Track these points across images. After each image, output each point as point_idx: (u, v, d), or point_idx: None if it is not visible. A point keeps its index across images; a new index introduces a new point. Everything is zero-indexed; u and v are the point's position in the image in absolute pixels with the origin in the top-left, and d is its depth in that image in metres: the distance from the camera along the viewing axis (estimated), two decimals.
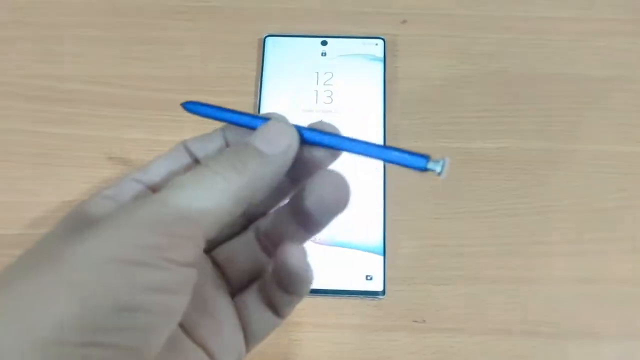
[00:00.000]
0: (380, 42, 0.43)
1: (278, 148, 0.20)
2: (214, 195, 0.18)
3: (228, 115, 0.23)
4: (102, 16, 0.46)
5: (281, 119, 0.22)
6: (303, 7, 0.46)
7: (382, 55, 0.43)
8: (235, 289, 0.23)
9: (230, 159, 0.19)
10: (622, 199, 0.40)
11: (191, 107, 0.25)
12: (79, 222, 0.19)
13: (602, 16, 0.45)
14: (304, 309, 0.37)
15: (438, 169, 0.22)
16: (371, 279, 0.37)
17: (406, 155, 0.22)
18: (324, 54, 0.43)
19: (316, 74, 0.42)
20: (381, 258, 0.37)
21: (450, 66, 0.44)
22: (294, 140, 0.21)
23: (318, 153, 0.22)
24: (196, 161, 0.23)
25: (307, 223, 0.22)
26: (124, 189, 0.21)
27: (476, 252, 0.38)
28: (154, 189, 0.21)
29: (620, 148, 0.41)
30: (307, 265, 0.21)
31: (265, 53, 0.43)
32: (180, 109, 0.42)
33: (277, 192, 0.22)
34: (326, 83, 0.42)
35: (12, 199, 0.40)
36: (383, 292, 0.37)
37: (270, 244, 0.23)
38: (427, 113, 0.42)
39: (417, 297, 0.37)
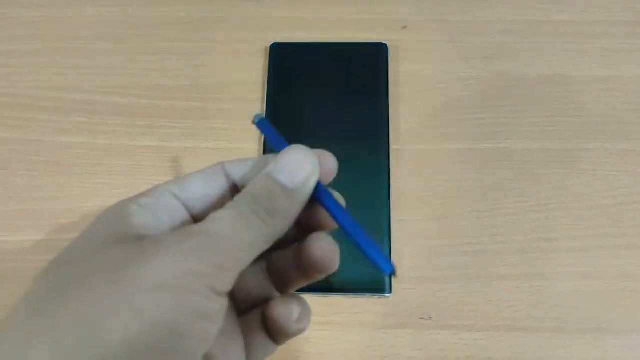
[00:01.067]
0: (383, 47, 0.44)
1: (299, 179, 0.22)
2: (252, 233, 0.20)
3: (279, 144, 0.25)
4: (111, 28, 0.48)
5: (300, 147, 0.23)
6: (306, 16, 0.47)
7: (384, 61, 0.44)
8: (240, 312, 0.25)
9: (261, 199, 0.21)
10: (622, 195, 0.41)
11: (260, 122, 0.27)
12: (124, 230, 0.20)
13: (599, 18, 0.46)
14: (313, 307, 0.38)
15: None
16: (378, 277, 0.38)
17: (381, 257, 0.24)
18: (328, 60, 0.44)
19: (321, 79, 0.44)
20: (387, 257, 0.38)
21: (451, 70, 0.45)
22: (314, 169, 0.23)
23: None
24: (233, 186, 0.24)
25: (305, 272, 0.25)
26: (161, 202, 0.22)
27: (479, 251, 0.39)
28: (189, 207, 0.22)
29: (620, 146, 0.42)
30: (298, 316, 0.25)
31: (271, 61, 0.44)
32: (185, 117, 0.43)
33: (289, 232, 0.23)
34: (331, 89, 0.43)
35: (28, 207, 0.41)
36: (390, 291, 0.38)
37: (276, 276, 0.25)
38: (430, 116, 0.43)
39: (423, 295, 0.38)
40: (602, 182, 0.41)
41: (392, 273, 0.23)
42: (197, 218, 0.23)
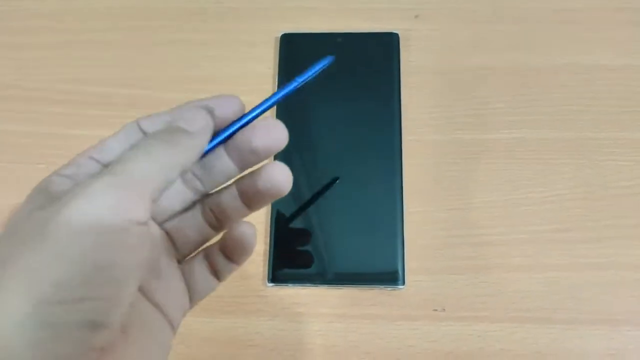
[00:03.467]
0: (394, 37, 0.44)
1: (198, 126, 0.23)
2: (155, 165, 0.21)
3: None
4: (122, 20, 0.47)
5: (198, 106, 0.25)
6: (317, 6, 0.47)
7: (396, 50, 0.44)
8: (182, 256, 0.27)
9: (165, 137, 0.23)
10: (637, 185, 0.40)
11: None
12: (45, 200, 0.22)
13: (617, 5, 0.46)
14: (327, 300, 0.38)
15: None
16: (390, 269, 0.38)
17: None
18: (339, 50, 0.44)
19: (332, 70, 0.43)
20: (400, 249, 0.38)
21: (463, 59, 0.44)
22: (208, 121, 0.24)
23: (256, 143, 0.25)
24: None
25: (252, 203, 0.26)
26: (81, 168, 0.24)
27: (492, 241, 0.39)
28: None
29: (635, 135, 0.42)
30: (254, 241, 0.26)
31: (281, 51, 0.44)
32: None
33: (223, 175, 0.26)
34: (342, 79, 0.43)
35: None
36: (403, 282, 0.37)
37: (215, 218, 0.27)
38: (442, 106, 0.43)
39: (436, 287, 0.38)
40: (616, 171, 0.41)
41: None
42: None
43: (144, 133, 0.25)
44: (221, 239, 0.27)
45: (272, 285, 0.38)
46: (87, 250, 0.19)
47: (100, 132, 0.43)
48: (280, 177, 0.26)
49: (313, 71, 0.30)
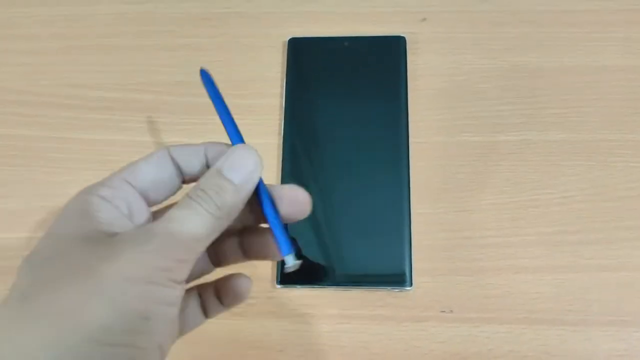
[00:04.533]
0: (401, 40, 0.44)
1: (244, 175, 0.25)
2: (205, 227, 0.23)
3: (221, 109, 0.30)
4: (129, 25, 0.48)
5: (246, 147, 0.26)
6: (324, 10, 0.47)
7: (403, 54, 0.44)
8: None
9: (212, 196, 0.24)
10: None
11: (205, 75, 0.32)
12: (90, 226, 0.23)
13: (621, 7, 0.46)
14: (335, 301, 0.38)
15: (290, 262, 0.27)
16: (398, 271, 0.38)
17: (283, 237, 0.27)
18: (346, 54, 0.44)
19: (340, 73, 0.44)
20: (407, 251, 0.38)
21: (470, 61, 0.45)
22: (257, 165, 0.26)
23: (283, 212, 0.27)
24: (179, 170, 0.27)
25: (250, 255, 0.29)
26: (118, 192, 0.25)
27: (500, 243, 0.39)
28: (143, 194, 0.26)
29: None
30: (247, 293, 0.29)
31: (289, 55, 0.45)
32: (206, 112, 0.43)
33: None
34: (349, 82, 0.43)
35: (50, 204, 0.42)
36: (410, 284, 0.38)
37: (214, 253, 0.29)
38: (449, 108, 0.43)
39: (444, 288, 0.38)
40: (625, 173, 0.41)
41: (291, 254, 0.27)
42: (151, 203, 0.26)
43: (174, 161, 0.27)
44: (217, 280, 0.29)
45: (281, 287, 0.38)
46: (136, 301, 0.21)
47: (107, 137, 0.44)
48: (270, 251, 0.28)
49: (211, 89, 0.32)
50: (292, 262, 0.27)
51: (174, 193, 0.27)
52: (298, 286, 0.38)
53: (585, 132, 0.42)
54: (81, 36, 0.48)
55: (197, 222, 0.23)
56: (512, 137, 0.42)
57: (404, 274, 0.38)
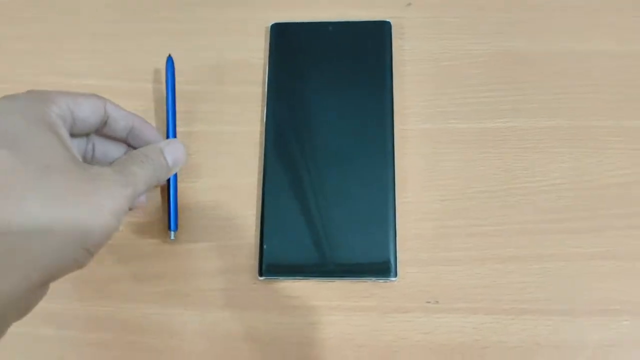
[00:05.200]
0: (386, 25, 0.43)
1: (178, 165, 0.35)
2: (144, 184, 0.31)
3: (171, 99, 0.41)
4: (110, 12, 0.47)
5: (181, 142, 0.36)
6: None
7: (388, 39, 0.43)
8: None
9: (153, 163, 0.32)
10: (635, 174, 0.39)
11: (170, 64, 0.42)
12: (56, 138, 0.28)
13: None
14: (319, 292, 0.37)
15: (172, 237, 0.39)
16: (383, 261, 0.37)
17: (175, 216, 0.40)
18: (330, 40, 0.43)
19: (324, 59, 0.43)
20: (392, 241, 0.37)
21: (457, 47, 0.43)
22: (185, 158, 0.36)
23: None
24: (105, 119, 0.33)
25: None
26: (66, 114, 0.30)
27: (487, 232, 0.38)
28: (75, 124, 0.31)
29: (631, 123, 0.41)
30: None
31: (271, 41, 0.43)
32: (187, 99, 0.42)
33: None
34: (333, 68, 0.42)
35: None
36: (395, 274, 0.37)
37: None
38: (436, 94, 0.42)
39: (429, 279, 0.37)
40: (613, 160, 0.40)
41: (175, 231, 0.39)
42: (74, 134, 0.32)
43: (104, 114, 0.33)
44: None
45: (263, 279, 0.38)
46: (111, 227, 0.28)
47: None
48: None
49: (171, 80, 0.42)
50: (172, 237, 0.39)
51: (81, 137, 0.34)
52: (280, 278, 0.38)
53: (574, 118, 0.41)
54: (63, 22, 0.47)
55: (142, 179, 0.30)
56: (500, 124, 0.41)
57: (388, 265, 0.37)
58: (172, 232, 0.39)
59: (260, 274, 0.37)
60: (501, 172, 0.40)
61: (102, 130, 0.34)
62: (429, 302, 0.37)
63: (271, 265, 0.37)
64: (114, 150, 0.36)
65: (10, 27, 0.47)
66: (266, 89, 0.42)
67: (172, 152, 0.34)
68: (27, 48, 0.46)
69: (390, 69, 0.42)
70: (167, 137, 0.40)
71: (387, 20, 0.43)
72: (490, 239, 0.38)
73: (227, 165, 0.41)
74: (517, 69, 0.43)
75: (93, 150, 0.35)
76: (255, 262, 0.38)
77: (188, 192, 0.40)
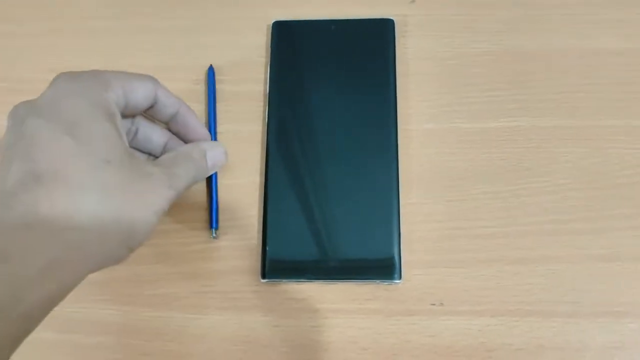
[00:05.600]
0: (390, 23, 0.42)
1: (216, 168, 0.36)
2: (185, 184, 0.32)
3: (212, 107, 0.42)
4: (108, 8, 0.46)
5: (223, 146, 0.37)
6: None
7: (391, 37, 0.42)
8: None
9: (194, 168, 0.33)
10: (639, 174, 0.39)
11: (211, 74, 0.42)
12: (115, 131, 0.28)
13: None
14: (322, 295, 0.37)
15: (213, 235, 0.39)
16: (387, 263, 0.37)
17: (216, 214, 0.39)
18: (333, 38, 0.42)
19: (326, 58, 0.42)
20: (396, 242, 0.37)
21: (461, 45, 0.43)
22: (224, 162, 0.36)
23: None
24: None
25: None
26: (121, 104, 0.30)
27: (492, 234, 0.38)
28: (128, 106, 0.31)
29: (637, 122, 0.40)
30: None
31: (273, 39, 0.43)
32: (190, 97, 0.42)
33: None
34: (336, 67, 0.42)
35: None
36: (400, 277, 0.36)
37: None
38: (439, 93, 0.42)
39: (434, 281, 0.37)
40: (618, 160, 0.39)
41: (216, 228, 0.39)
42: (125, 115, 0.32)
43: (156, 97, 0.33)
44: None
45: (266, 281, 0.37)
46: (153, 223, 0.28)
47: None
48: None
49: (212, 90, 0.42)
50: (214, 235, 0.39)
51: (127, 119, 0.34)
52: (283, 280, 0.37)
53: (579, 118, 0.41)
54: (60, 18, 0.46)
55: (184, 181, 0.31)
56: (504, 124, 0.41)
57: (393, 267, 0.37)
58: (214, 230, 0.38)
59: (263, 276, 0.37)
60: (505, 173, 0.39)
61: (146, 111, 0.34)
62: (433, 305, 0.37)
63: (274, 267, 0.37)
64: (157, 136, 0.35)
65: (3, 24, 0.46)
66: (268, 88, 0.41)
67: (214, 155, 0.35)
68: (24, 45, 0.45)
69: (394, 68, 0.41)
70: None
71: (391, 18, 0.43)
72: (496, 240, 0.38)
73: (228, 165, 0.40)
74: (521, 68, 0.42)
75: (136, 132, 0.35)
76: (257, 264, 0.38)
77: (187, 191, 0.40)
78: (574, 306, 0.36)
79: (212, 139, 0.39)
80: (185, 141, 0.36)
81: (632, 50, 0.42)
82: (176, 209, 0.39)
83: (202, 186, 0.40)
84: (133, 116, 0.34)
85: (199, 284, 0.38)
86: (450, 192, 0.39)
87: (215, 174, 0.39)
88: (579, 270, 0.37)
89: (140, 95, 0.31)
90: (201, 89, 0.43)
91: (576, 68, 0.42)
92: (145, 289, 0.38)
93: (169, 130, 0.36)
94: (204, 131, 0.36)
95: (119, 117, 0.29)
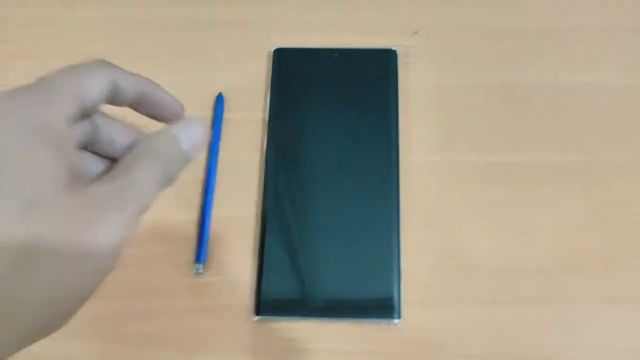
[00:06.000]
0: (392, 53, 0.42)
1: (197, 152, 0.27)
2: (152, 195, 0.25)
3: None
4: (104, 31, 0.45)
5: (203, 122, 0.27)
6: (312, 21, 0.45)
7: (394, 67, 0.41)
8: None
9: (167, 165, 0.26)
10: None
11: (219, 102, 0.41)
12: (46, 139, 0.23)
13: (621, 23, 0.44)
14: (318, 335, 0.35)
15: (200, 270, 0.37)
16: (386, 301, 0.35)
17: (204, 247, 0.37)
18: (334, 66, 0.42)
19: (327, 86, 0.41)
20: (396, 280, 0.35)
21: (464, 77, 0.42)
22: (204, 144, 0.27)
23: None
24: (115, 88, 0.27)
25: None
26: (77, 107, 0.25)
27: (496, 273, 0.36)
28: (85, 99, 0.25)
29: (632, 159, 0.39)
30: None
31: (274, 66, 0.42)
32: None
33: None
34: (338, 96, 0.41)
35: None
36: (398, 316, 0.35)
37: None
38: (441, 125, 0.41)
39: (434, 322, 0.35)
40: (625, 197, 0.38)
41: (202, 263, 0.37)
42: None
43: (115, 86, 0.26)
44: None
45: (259, 319, 0.35)
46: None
47: None
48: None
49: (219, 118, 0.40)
50: (200, 270, 0.37)
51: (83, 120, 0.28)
52: (277, 317, 0.35)
53: (585, 153, 0.40)
54: (53, 40, 0.45)
55: (149, 186, 0.25)
56: (507, 157, 0.40)
57: (391, 305, 0.35)
58: (200, 265, 0.37)
59: (257, 313, 0.35)
60: (509, 209, 0.38)
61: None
62: (436, 347, 0.35)
63: (268, 304, 0.35)
64: (120, 136, 0.29)
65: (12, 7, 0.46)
66: (267, 116, 0.40)
67: (189, 135, 0.27)
68: (15, 66, 0.44)
69: (396, 99, 0.40)
70: (208, 166, 0.39)
71: (393, 48, 0.42)
72: (500, 280, 0.36)
73: (224, 196, 0.39)
74: (525, 100, 0.41)
75: (97, 134, 0.29)
76: (248, 301, 0.36)
77: (177, 222, 0.38)
78: (586, 352, 0.35)
79: (212, 162, 0.37)
80: (159, 121, 0.30)
81: (632, 86, 0.41)
82: (163, 238, 0.38)
83: (194, 216, 0.38)
84: (89, 116, 0.28)
85: (182, 320, 0.36)
86: (452, 228, 0.38)
87: (210, 205, 0.38)
88: (584, 313, 0.35)
89: (96, 93, 0.26)
90: (203, 115, 0.41)
91: (577, 102, 0.41)
92: (126, 325, 0.36)
93: (138, 112, 0.30)
94: (176, 105, 0.30)
95: (65, 132, 0.24)
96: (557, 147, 0.40)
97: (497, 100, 0.41)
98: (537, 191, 0.39)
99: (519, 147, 0.40)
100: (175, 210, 0.38)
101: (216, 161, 0.40)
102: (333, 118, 0.40)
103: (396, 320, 0.35)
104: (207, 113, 0.42)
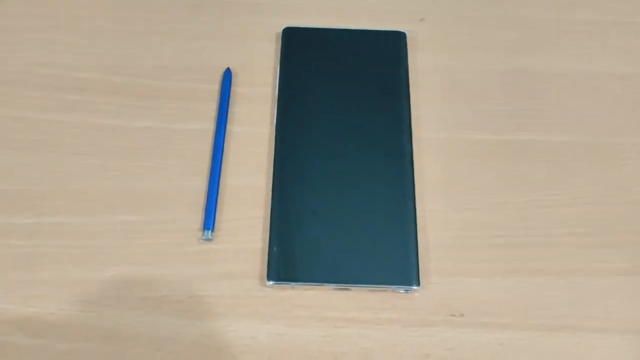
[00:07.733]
0: (402, 35, 0.43)
1: None
2: None
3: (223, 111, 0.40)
4: (114, 9, 0.45)
5: None
6: (320, 4, 0.45)
7: (404, 48, 0.42)
8: None
9: None
10: None
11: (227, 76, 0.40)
12: None
13: (626, 12, 0.46)
14: (333, 302, 0.34)
15: (208, 236, 0.35)
16: (404, 268, 0.34)
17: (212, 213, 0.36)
18: (343, 47, 0.42)
19: (336, 65, 0.41)
20: (414, 247, 0.35)
21: (470, 63, 0.43)
22: None
23: None
24: None
25: None
26: None
27: (510, 244, 0.36)
28: None
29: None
30: None
31: (283, 45, 0.42)
32: (202, 97, 0.39)
33: None
34: (348, 76, 0.41)
35: (15, 187, 0.37)
36: (417, 283, 0.34)
37: None
38: (451, 105, 0.41)
39: (453, 290, 0.35)
40: (632, 175, 0.39)
41: (210, 230, 0.35)
42: None
43: None
44: None
45: (272, 284, 0.34)
46: None
47: (78, 118, 0.39)
48: None
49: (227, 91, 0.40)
50: (210, 236, 0.35)
51: None
52: (292, 283, 0.34)
53: (592, 134, 0.41)
54: (61, 16, 0.44)
55: None
56: (516, 137, 0.40)
57: (410, 272, 0.34)
58: (209, 231, 0.35)
59: (269, 278, 0.34)
60: (521, 184, 0.38)
61: None
62: (453, 315, 0.34)
63: (280, 269, 0.34)
64: None
65: (3, 18, 0.44)
66: (277, 92, 0.40)
67: None
68: (21, 39, 0.43)
69: (407, 78, 0.41)
70: (216, 137, 0.39)
71: (402, 30, 0.43)
72: (514, 251, 0.36)
73: (233, 165, 0.38)
74: (529, 86, 0.42)
75: None
76: (260, 268, 0.35)
77: (187, 189, 0.37)
78: (599, 321, 0.34)
79: (220, 131, 0.38)
80: None
81: (633, 75, 0.43)
82: (173, 205, 0.36)
83: (203, 186, 0.37)
84: None
85: (193, 287, 0.34)
86: (466, 201, 0.38)
87: (219, 172, 0.37)
88: (602, 284, 0.35)
89: None
90: (213, 89, 0.41)
91: (582, 88, 0.42)
92: (135, 291, 0.34)
93: None
94: None
95: None
96: (562, 129, 0.41)
97: (503, 84, 0.42)
98: (546, 168, 0.39)
99: (526, 127, 0.41)
100: (185, 178, 0.37)
101: (224, 131, 0.39)
102: (343, 96, 0.40)
103: (415, 287, 0.34)
104: (216, 87, 0.41)
